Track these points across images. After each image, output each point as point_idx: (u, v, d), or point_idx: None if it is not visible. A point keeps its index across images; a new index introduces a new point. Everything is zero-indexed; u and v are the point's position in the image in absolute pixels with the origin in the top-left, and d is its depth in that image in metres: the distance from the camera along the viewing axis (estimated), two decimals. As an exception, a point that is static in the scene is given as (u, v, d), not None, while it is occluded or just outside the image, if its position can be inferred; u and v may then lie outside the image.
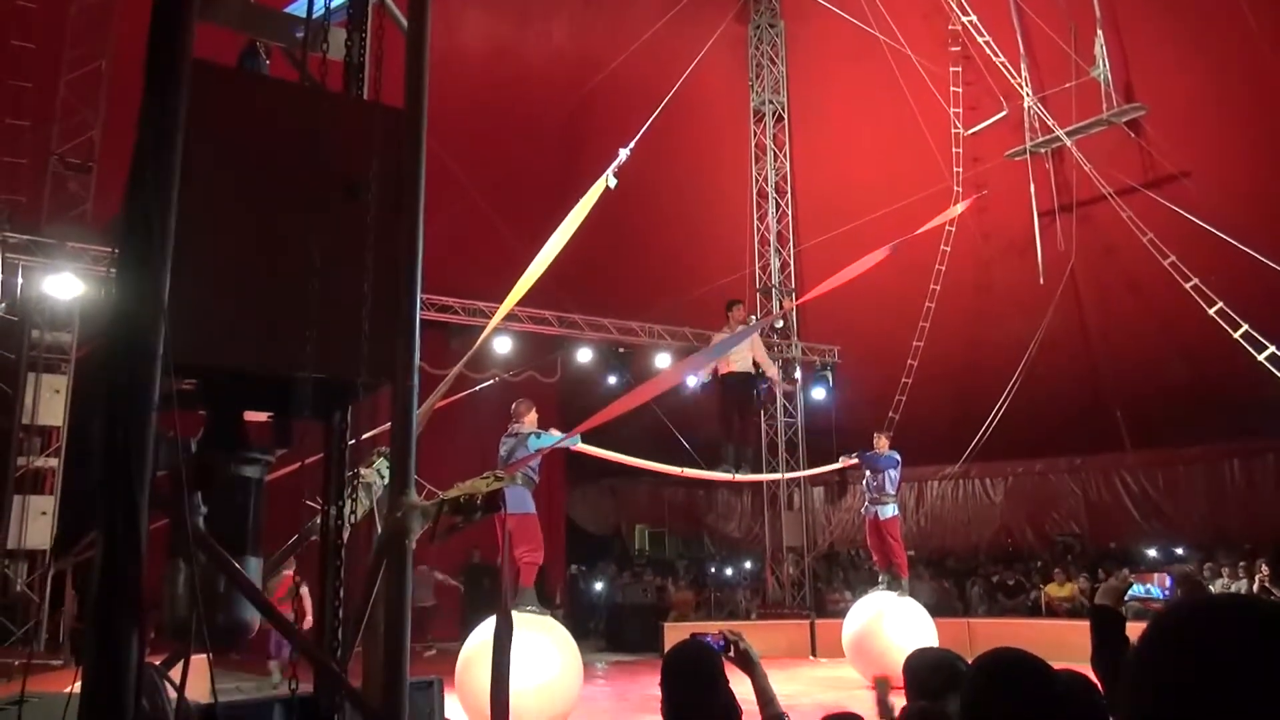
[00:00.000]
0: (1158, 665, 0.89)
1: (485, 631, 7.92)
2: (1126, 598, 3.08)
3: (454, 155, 10.98)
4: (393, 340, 2.30)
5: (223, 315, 2.16)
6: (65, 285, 9.77)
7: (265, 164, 2.26)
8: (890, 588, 11.02)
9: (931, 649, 2.92)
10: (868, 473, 11.37)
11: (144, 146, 1.97)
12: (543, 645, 7.90)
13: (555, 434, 8.63)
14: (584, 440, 8.54)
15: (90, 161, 10.36)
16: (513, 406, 8.60)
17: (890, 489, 11.15)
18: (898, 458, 11.28)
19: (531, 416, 8.52)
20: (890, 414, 14.65)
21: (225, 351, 2.18)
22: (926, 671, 2.73)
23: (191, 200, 2.08)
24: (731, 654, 2.79)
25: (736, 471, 11.05)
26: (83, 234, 9.99)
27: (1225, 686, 0.83)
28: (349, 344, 2.27)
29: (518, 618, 7.71)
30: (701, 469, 11.25)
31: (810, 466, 16.29)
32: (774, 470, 16.06)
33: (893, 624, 10.27)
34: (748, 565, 18.02)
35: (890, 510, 11.15)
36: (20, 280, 9.81)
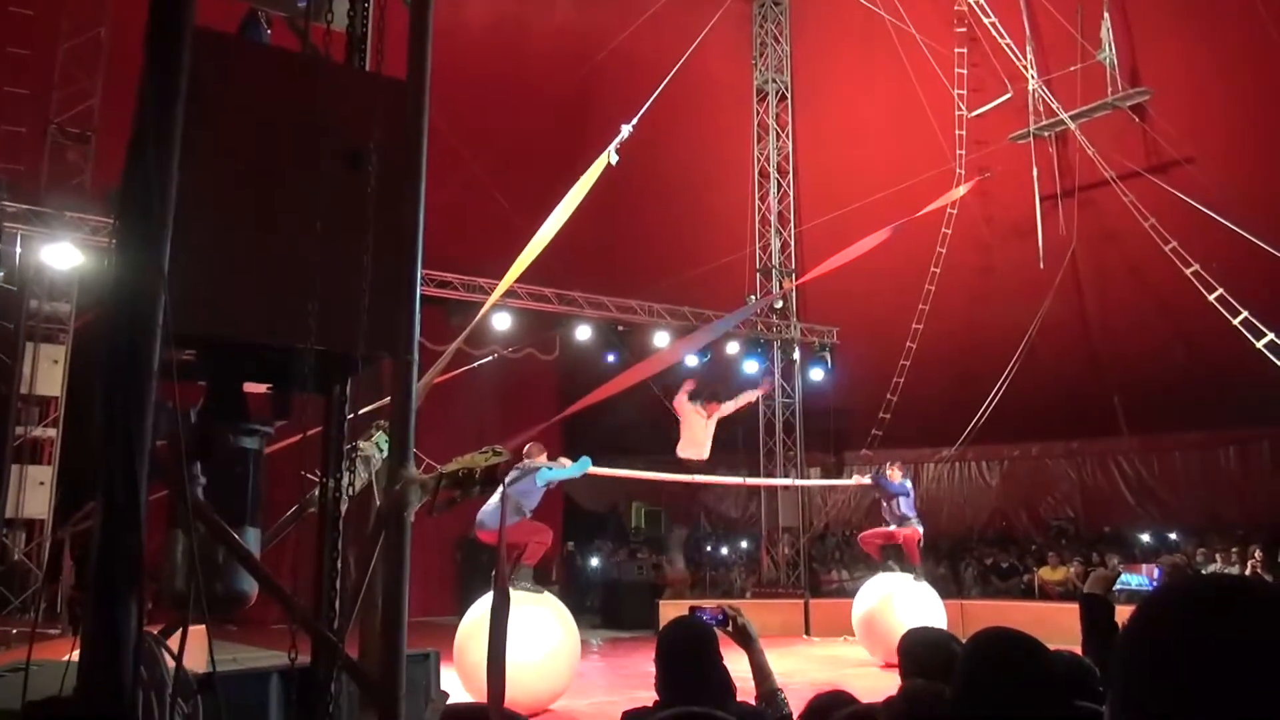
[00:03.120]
0: (1146, 643, 0.90)
1: (483, 606, 8.00)
2: (1116, 588, 3.13)
3: (456, 129, 10.93)
4: (393, 313, 2.30)
5: (223, 286, 2.15)
6: (64, 255, 9.74)
7: (266, 134, 2.24)
8: (903, 570, 11.18)
9: (927, 629, 2.93)
10: (883, 501, 11.58)
11: (144, 115, 1.96)
12: (542, 621, 7.99)
13: (566, 464, 8.67)
14: (595, 463, 8.73)
15: (89, 130, 10.29)
16: (524, 449, 8.59)
17: (909, 512, 11.31)
18: (909, 487, 11.56)
19: (542, 458, 8.58)
20: (888, 395, 14.67)
21: (225, 322, 2.17)
22: (922, 651, 2.74)
23: (192, 170, 2.07)
24: (730, 629, 2.82)
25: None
26: (82, 203, 9.94)
27: (1211, 664, 0.83)
28: (349, 316, 2.27)
29: (514, 595, 7.84)
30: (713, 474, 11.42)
31: (808, 448, 16.35)
32: (771, 456, 16.10)
33: (903, 605, 10.39)
34: (743, 545, 18.09)
35: (914, 526, 11.28)
36: (19, 250, 9.78)
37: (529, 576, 8.25)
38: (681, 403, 11.12)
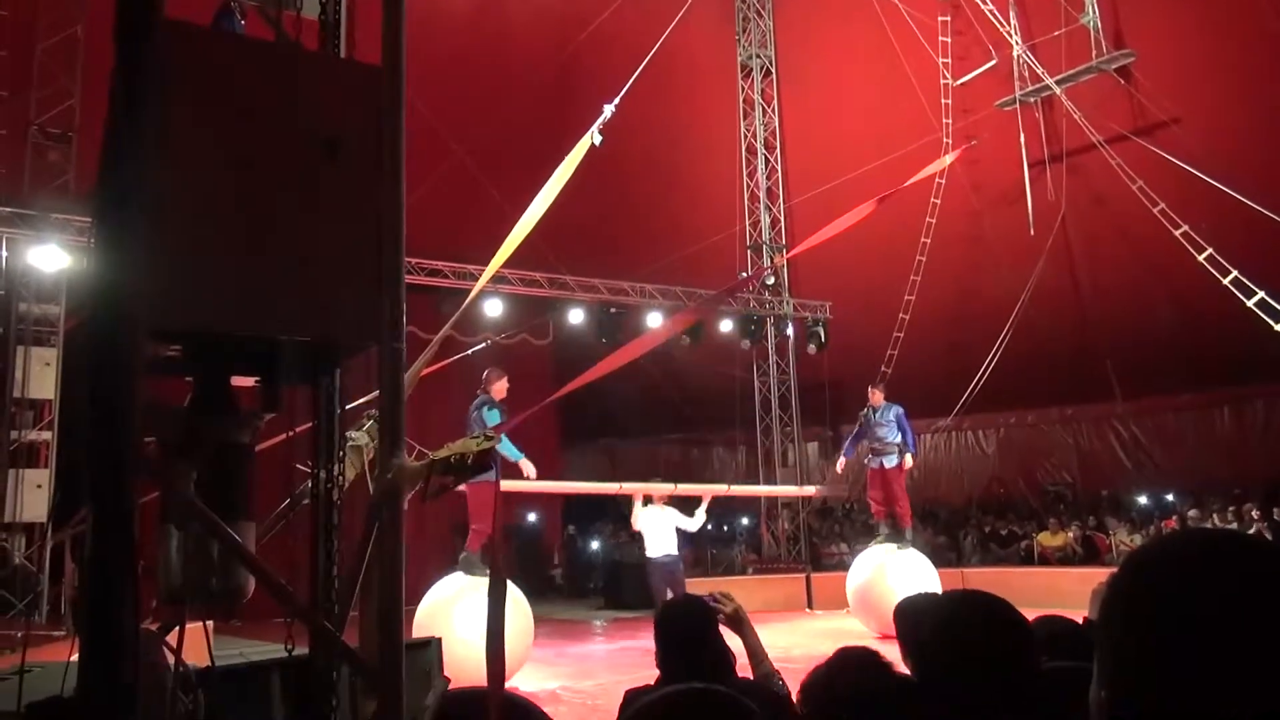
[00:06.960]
0: (1127, 593, 0.91)
1: (440, 591, 8.32)
2: None
3: (440, 114, 10.86)
4: (378, 301, 2.29)
5: (205, 279, 2.14)
6: (51, 257, 9.71)
7: (242, 125, 2.22)
8: (890, 539, 11.14)
9: (924, 594, 2.95)
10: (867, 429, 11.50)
11: (117, 111, 1.94)
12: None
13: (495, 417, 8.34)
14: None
15: (70, 131, 10.22)
16: (484, 374, 8.74)
17: (893, 438, 11.22)
18: (894, 415, 11.30)
19: (499, 385, 8.61)
20: (883, 368, 14.70)
21: (208, 315, 2.16)
22: (922, 615, 2.75)
23: (169, 164, 2.06)
24: (721, 617, 2.84)
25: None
26: (66, 204, 9.89)
27: (1188, 617, 0.84)
28: (334, 306, 2.26)
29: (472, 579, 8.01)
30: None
31: (804, 423, 16.39)
32: (768, 432, 16.13)
33: (896, 576, 10.39)
34: (744, 521, 18.15)
35: (894, 459, 11.22)
36: (5, 253, 9.74)
37: (479, 561, 8.36)
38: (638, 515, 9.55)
